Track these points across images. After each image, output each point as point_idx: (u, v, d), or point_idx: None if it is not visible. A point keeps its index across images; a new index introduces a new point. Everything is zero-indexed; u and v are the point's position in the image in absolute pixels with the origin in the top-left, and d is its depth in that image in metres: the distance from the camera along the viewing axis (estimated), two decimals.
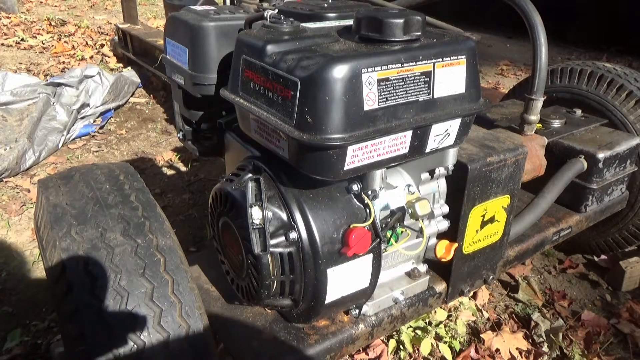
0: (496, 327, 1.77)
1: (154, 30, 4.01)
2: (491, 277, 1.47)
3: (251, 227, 0.92)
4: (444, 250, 1.28)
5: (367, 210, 1.05)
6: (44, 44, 4.73)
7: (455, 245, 1.28)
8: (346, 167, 0.92)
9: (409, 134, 0.97)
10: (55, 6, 6.56)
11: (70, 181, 1.03)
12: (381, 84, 0.89)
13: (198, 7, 1.27)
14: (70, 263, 0.84)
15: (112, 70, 4.17)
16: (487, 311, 1.86)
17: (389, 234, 1.10)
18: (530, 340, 1.73)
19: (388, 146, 0.95)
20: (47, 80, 3.29)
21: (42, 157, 2.84)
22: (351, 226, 1.02)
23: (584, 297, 2.01)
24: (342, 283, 1.05)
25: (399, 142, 0.97)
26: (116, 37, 4.36)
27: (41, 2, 6.70)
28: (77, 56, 4.41)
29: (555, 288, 2.06)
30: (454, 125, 1.04)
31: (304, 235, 1.00)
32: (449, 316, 1.78)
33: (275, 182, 1.04)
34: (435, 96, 0.97)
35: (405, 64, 0.91)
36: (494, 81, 4.55)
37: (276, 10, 1.09)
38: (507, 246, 1.48)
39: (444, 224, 1.27)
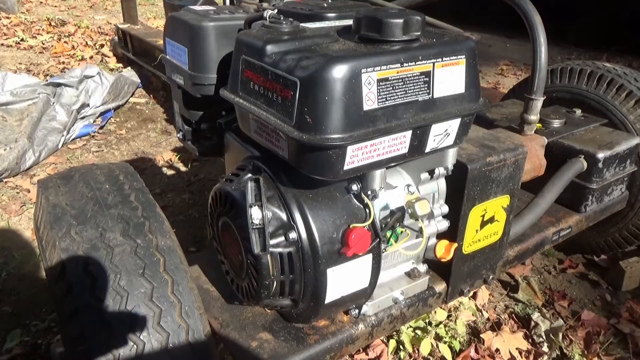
0: (496, 327, 1.77)
1: (153, 30, 4.01)
2: (491, 277, 1.47)
3: (251, 227, 0.92)
4: (444, 250, 1.28)
5: (367, 210, 1.05)
6: (43, 44, 4.73)
7: (455, 245, 1.28)
8: (346, 167, 0.92)
9: (408, 134, 0.97)
10: (55, 6, 6.56)
11: (70, 181, 1.03)
12: (381, 84, 0.89)
13: (198, 7, 1.27)
14: (70, 263, 0.84)
15: (112, 70, 4.17)
16: (487, 311, 1.86)
17: (388, 234, 1.10)
18: (530, 340, 1.73)
19: (388, 146, 0.95)
20: (47, 81, 3.29)
21: (42, 157, 2.84)
22: (351, 226, 1.02)
23: (584, 297, 2.01)
24: (341, 283, 1.05)
25: (399, 142, 0.97)
26: (116, 37, 4.36)
27: (41, 2, 6.70)
28: (77, 56, 4.41)
29: (555, 288, 2.05)
30: (453, 125, 1.04)
31: (304, 235, 1.00)
32: (448, 316, 1.78)
33: (275, 182, 1.04)
34: (435, 96, 0.97)
35: (405, 64, 0.91)
36: (494, 81, 4.55)
37: (276, 11, 1.09)
38: (507, 246, 1.48)
39: (444, 224, 1.27)
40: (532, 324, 1.77)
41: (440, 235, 1.29)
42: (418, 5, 1.80)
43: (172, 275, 0.89)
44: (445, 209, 1.25)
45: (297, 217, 1.00)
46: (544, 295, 2.00)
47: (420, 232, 1.19)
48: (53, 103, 3.09)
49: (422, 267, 1.33)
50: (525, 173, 1.54)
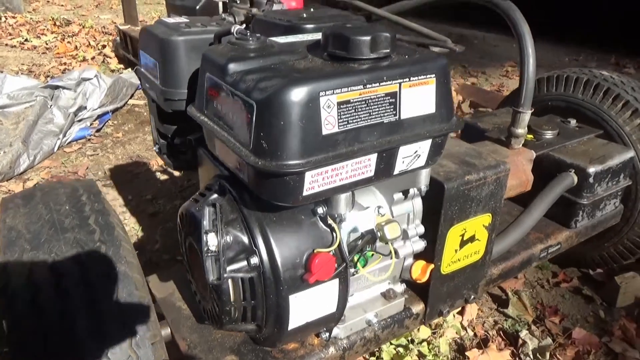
0: (483, 344, 1.73)
1: None
2: (472, 296, 1.43)
3: (206, 254, 0.89)
4: (420, 272, 1.25)
5: (333, 234, 1.02)
6: (47, 44, 4.76)
7: (432, 266, 1.24)
8: (305, 193, 0.89)
9: (373, 157, 0.93)
10: (62, 5, 6.60)
11: (31, 202, 1.01)
12: (341, 107, 0.86)
13: (170, 20, 1.24)
14: (18, 292, 0.82)
15: (113, 71, 4.17)
16: (474, 327, 1.82)
17: (356, 257, 1.06)
18: (517, 359, 1.68)
19: (351, 170, 0.92)
20: (46, 83, 3.30)
21: (37, 161, 2.84)
22: (315, 251, 0.99)
23: (576, 313, 1.95)
24: (306, 309, 1.02)
25: (364, 166, 0.93)
26: (118, 38, 4.37)
27: (48, 1, 6.74)
28: (79, 57, 4.42)
29: (547, 303, 2.00)
30: (424, 146, 1.00)
31: (266, 260, 0.97)
32: (433, 333, 1.74)
33: (239, 204, 1.01)
34: (402, 117, 0.94)
35: (368, 85, 0.88)
36: (498, 83, 4.47)
37: (243, 26, 1.05)
38: (489, 265, 1.44)
39: (420, 245, 1.22)
40: (520, 341, 1.72)
41: (417, 255, 1.26)
42: (407, 10, 1.77)
43: (125, 303, 0.87)
44: (421, 229, 1.21)
45: (260, 241, 0.97)
46: (535, 310, 1.95)
47: (391, 255, 1.15)
48: (51, 106, 3.09)
49: (399, 288, 1.30)
50: (511, 189, 1.50)
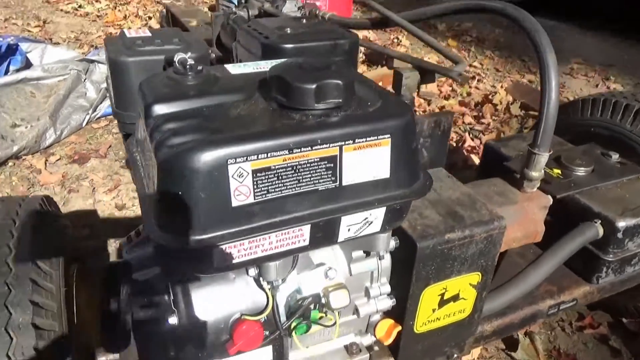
0: None
1: (192, 9, 3.93)
2: (456, 355, 1.27)
3: (106, 316, 0.81)
4: (384, 333, 1.10)
5: (268, 299, 0.90)
6: (99, 11, 4.83)
7: (398, 328, 1.10)
8: (217, 265, 0.77)
9: (306, 227, 0.79)
10: None
11: None
12: (258, 174, 0.72)
13: (131, 34, 1.13)
14: None
15: None
16: None
17: (294, 323, 0.94)
18: None
19: (277, 241, 0.78)
20: (86, 54, 3.34)
21: (64, 136, 2.90)
22: (242, 317, 0.88)
23: None
24: None
25: (294, 236, 0.79)
26: (165, 11, 4.34)
27: None
28: (125, 27, 4.45)
29: (565, 350, 1.78)
30: (376, 213, 0.84)
31: (185, 322, 0.87)
32: None
33: None
34: (344, 183, 0.78)
35: (296, 151, 0.73)
36: (560, 82, 4.03)
37: (187, 59, 0.90)
38: (478, 322, 1.26)
39: (387, 303, 1.08)
40: None
41: (388, 312, 1.12)
42: (424, 19, 1.55)
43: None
44: (387, 288, 1.06)
45: (180, 300, 0.87)
46: (548, 357, 1.74)
47: (356, 312, 1.02)
48: (84, 80, 3.13)
49: (366, 341, 1.17)
50: (514, 241, 1.29)
